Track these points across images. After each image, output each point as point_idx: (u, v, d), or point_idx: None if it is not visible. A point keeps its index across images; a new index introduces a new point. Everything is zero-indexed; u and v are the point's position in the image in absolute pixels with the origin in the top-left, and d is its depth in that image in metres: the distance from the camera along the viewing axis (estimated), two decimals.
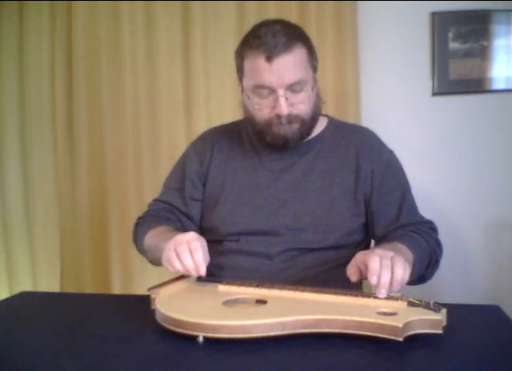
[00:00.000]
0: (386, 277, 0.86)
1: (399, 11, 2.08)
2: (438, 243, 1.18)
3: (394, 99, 2.12)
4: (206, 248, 1.00)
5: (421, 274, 1.11)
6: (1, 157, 2.34)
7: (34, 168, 2.33)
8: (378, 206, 1.19)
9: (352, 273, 0.93)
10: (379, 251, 0.91)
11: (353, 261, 0.95)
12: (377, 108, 2.11)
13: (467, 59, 2.05)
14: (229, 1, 2.11)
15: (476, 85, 2.07)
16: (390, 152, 1.27)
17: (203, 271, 0.96)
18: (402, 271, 0.87)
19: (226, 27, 2.12)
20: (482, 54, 2.04)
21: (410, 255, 1.02)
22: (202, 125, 2.05)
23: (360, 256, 0.94)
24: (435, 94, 2.10)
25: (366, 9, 2.08)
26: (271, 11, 2.05)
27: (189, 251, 0.96)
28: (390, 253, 0.90)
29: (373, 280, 0.87)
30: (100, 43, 2.20)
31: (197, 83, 2.16)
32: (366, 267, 0.89)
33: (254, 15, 2.06)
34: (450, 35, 2.05)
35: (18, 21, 2.27)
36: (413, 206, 1.22)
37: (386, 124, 2.07)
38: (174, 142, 2.16)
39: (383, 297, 0.87)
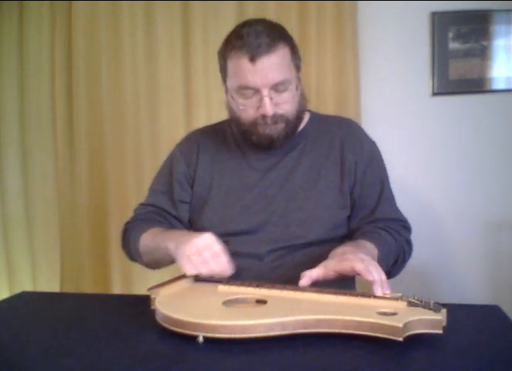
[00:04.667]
0: (383, 276, 0.90)
1: (399, 11, 2.09)
2: (409, 243, 1.20)
3: (394, 99, 2.12)
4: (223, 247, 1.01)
5: (387, 271, 1.12)
6: (1, 157, 2.34)
7: (34, 168, 2.33)
8: (359, 198, 1.20)
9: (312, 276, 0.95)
10: (357, 255, 0.94)
11: (322, 266, 0.96)
12: (377, 108, 2.11)
13: (467, 59, 2.05)
14: (229, 1, 2.11)
15: (476, 85, 2.07)
16: (373, 143, 1.26)
17: (230, 272, 0.99)
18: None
19: (227, 27, 2.10)
20: (483, 54, 2.04)
21: (375, 252, 1.05)
22: (202, 125, 2.04)
23: (332, 263, 0.96)
24: (435, 94, 2.10)
25: (366, 9, 2.09)
26: (271, 12, 2.05)
27: (214, 256, 0.98)
28: (368, 257, 0.95)
29: (370, 278, 0.89)
30: (100, 43, 2.21)
31: (197, 82, 2.16)
32: (347, 272, 0.93)
33: (254, 15, 2.05)
34: (450, 35, 2.05)
35: (18, 21, 2.27)
36: (390, 200, 1.23)
37: (386, 124, 2.08)
38: (174, 142, 2.14)
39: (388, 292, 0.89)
